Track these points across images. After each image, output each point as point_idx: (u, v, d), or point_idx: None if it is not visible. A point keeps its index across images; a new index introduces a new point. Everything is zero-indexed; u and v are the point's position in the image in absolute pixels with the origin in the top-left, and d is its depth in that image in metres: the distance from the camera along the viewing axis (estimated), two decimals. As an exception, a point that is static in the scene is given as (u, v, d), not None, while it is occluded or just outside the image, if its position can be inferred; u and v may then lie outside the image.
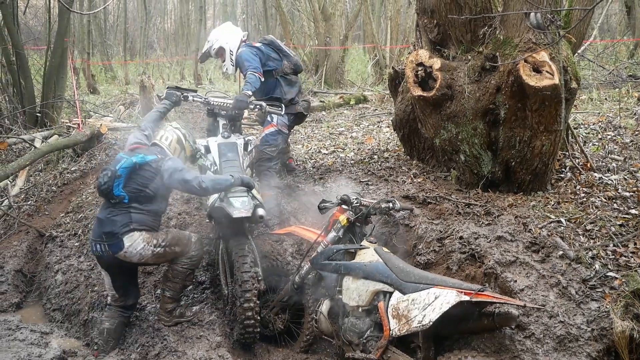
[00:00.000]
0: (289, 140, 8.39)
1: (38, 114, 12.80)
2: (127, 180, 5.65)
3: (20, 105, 12.78)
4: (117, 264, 5.76)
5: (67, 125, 11.75)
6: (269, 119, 7.53)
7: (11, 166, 9.07)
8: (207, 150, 6.59)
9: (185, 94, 6.89)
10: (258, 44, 7.69)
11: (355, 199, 5.67)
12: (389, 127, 10.94)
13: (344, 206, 5.65)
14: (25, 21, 18.78)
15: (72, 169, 10.05)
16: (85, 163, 10.09)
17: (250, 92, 6.99)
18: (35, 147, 10.16)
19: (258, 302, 5.80)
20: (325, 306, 5.51)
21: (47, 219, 8.86)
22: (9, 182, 9.46)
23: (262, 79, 7.27)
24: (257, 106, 6.99)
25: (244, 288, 5.70)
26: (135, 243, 5.60)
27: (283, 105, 7.36)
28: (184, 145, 6.21)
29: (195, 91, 7.19)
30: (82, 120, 11.44)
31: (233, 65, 7.60)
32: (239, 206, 5.81)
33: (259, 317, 5.80)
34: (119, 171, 5.61)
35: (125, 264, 5.77)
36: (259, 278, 5.87)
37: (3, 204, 8.72)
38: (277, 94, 7.59)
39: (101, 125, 10.95)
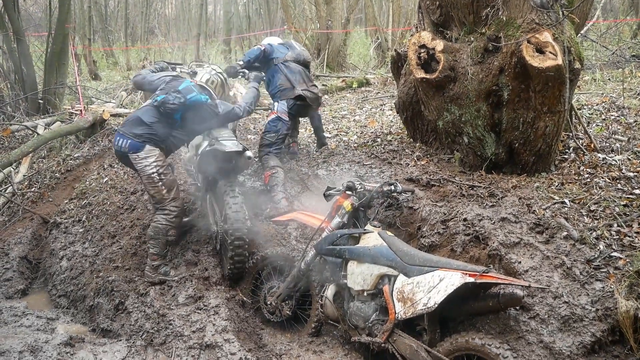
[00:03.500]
0: (299, 125, 8.88)
1: (40, 101, 12.80)
2: (188, 110, 6.48)
3: (22, 92, 12.77)
4: (123, 161, 6.71)
5: (70, 111, 11.74)
6: (270, 107, 8.07)
7: (14, 153, 9.10)
8: None
9: (173, 66, 7.40)
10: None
11: (360, 184, 5.67)
12: (391, 110, 10.92)
13: (348, 192, 5.65)
14: (26, 7, 18.73)
15: (76, 155, 10.06)
16: (88, 149, 10.11)
17: (242, 62, 7.93)
18: (38, 134, 10.16)
19: (247, 238, 6.35)
20: (330, 291, 5.52)
21: (51, 206, 8.88)
22: (12, 169, 9.48)
23: (261, 48, 8.12)
24: (241, 73, 7.76)
25: (235, 226, 6.27)
26: (150, 156, 6.40)
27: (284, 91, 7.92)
28: (224, 89, 7.20)
29: (181, 64, 7.62)
30: (84, 107, 11.43)
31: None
32: (230, 145, 6.46)
33: (247, 253, 6.38)
34: (188, 102, 6.42)
35: (127, 163, 6.64)
36: (246, 217, 6.41)
37: (7, 191, 8.74)
38: (277, 80, 8.01)
39: (104, 111, 10.94)
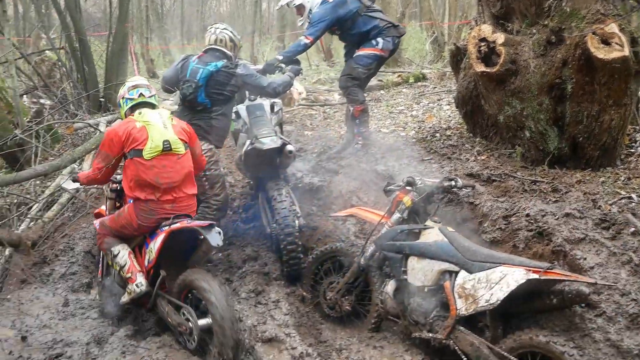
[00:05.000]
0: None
1: (102, 99, 13.02)
2: (207, 87, 6.48)
3: (85, 91, 13.00)
4: None
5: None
6: (373, 42, 7.88)
7: (78, 150, 9.27)
8: (238, 115, 7.17)
9: None
10: None
11: (420, 179, 5.63)
12: (449, 104, 10.81)
13: (407, 187, 5.61)
14: (85, 8, 19.11)
15: (136, 152, 10.20)
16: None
17: (281, 57, 7.61)
18: (100, 131, 10.34)
19: (299, 240, 6.38)
20: (390, 287, 5.48)
21: (113, 201, 9.03)
22: (75, 165, 9.66)
23: (310, 44, 7.89)
24: (278, 68, 7.49)
25: (286, 230, 6.31)
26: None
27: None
28: (235, 42, 6.91)
29: None
30: (143, 104, 11.58)
31: (309, 21, 7.96)
32: (268, 142, 6.43)
33: (301, 255, 6.37)
34: (200, 81, 6.45)
35: None
36: (298, 215, 6.51)
37: (72, 187, 8.91)
38: (373, 22, 7.89)
39: (162, 108, 11.09)
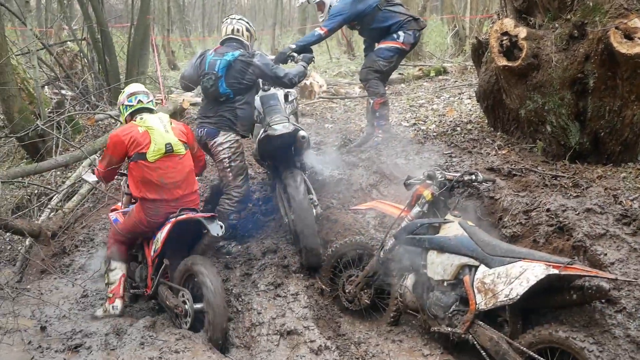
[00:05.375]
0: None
1: (123, 90, 13.07)
2: (227, 78, 6.61)
3: (106, 82, 13.07)
4: (205, 149, 6.85)
5: (151, 100, 11.97)
6: (394, 35, 7.93)
7: (99, 141, 9.38)
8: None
9: None
10: None
11: (440, 173, 5.62)
12: (470, 98, 10.79)
13: (428, 181, 5.61)
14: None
15: (158, 143, 10.26)
16: (169, 138, 10.29)
17: (294, 46, 7.72)
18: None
19: (316, 227, 6.45)
20: (410, 280, 5.50)
21: (133, 193, 9.09)
22: (97, 156, 9.73)
23: (325, 35, 7.93)
24: (291, 57, 7.53)
25: (301, 217, 6.35)
26: (225, 142, 6.68)
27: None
28: (251, 32, 7.09)
29: None
30: (165, 96, 11.66)
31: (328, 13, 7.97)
32: (280, 128, 6.48)
33: (318, 241, 6.38)
34: (219, 72, 6.60)
35: (207, 151, 6.85)
36: (315, 204, 6.62)
37: (92, 179, 8.99)
38: (393, 17, 7.93)
39: (183, 100, 11.16)
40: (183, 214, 5.85)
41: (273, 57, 7.50)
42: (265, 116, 6.89)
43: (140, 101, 6.24)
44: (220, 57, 6.66)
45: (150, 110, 6.23)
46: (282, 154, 6.80)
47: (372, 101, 8.02)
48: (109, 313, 6.10)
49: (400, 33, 7.86)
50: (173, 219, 5.83)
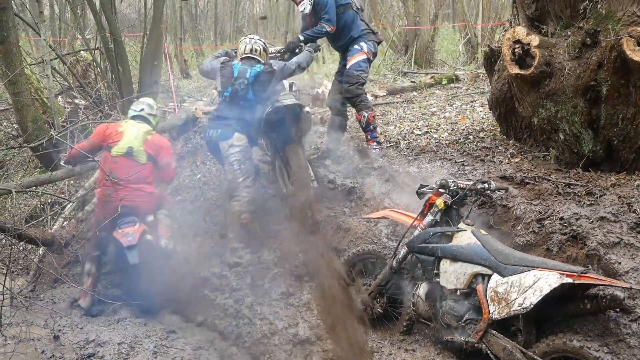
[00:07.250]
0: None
1: (135, 100, 13.10)
2: (254, 85, 7.12)
3: (119, 91, 13.10)
4: (213, 151, 7.39)
5: (164, 109, 12.01)
6: (357, 47, 8.20)
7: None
8: None
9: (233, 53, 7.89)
10: None
11: (453, 182, 5.61)
12: (482, 106, 10.76)
13: (440, 190, 5.60)
14: (121, 9, 19.27)
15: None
16: (181, 147, 10.33)
17: (302, 38, 8.03)
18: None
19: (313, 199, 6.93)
20: (422, 289, 5.48)
21: (146, 202, 9.10)
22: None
23: (332, 31, 8.05)
24: (299, 47, 7.96)
25: (301, 180, 6.93)
26: (237, 145, 7.05)
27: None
28: (267, 51, 7.55)
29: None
30: (177, 105, 11.69)
31: (311, 5, 8.08)
32: (287, 101, 7.13)
33: (315, 212, 6.84)
34: (250, 79, 7.11)
35: (216, 152, 7.31)
36: (312, 178, 7.24)
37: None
38: (359, 24, 8.27)
39: (196, 109, 11.16)
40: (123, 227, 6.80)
41: (278, 48, 8.14)
42: (272, 97, 7.31)
43: (142, 109, 7.51)
44: (249, 67, 7.18)
45: (146, 120, 7.41)
46: (286, 128, 7.15)
47: (366, 114, 8.13)
48: (85, 305, 6.85)
49: (362, 44, 8.16)
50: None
